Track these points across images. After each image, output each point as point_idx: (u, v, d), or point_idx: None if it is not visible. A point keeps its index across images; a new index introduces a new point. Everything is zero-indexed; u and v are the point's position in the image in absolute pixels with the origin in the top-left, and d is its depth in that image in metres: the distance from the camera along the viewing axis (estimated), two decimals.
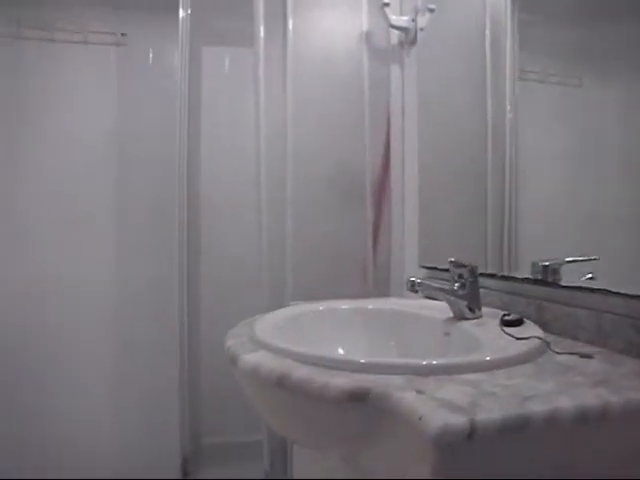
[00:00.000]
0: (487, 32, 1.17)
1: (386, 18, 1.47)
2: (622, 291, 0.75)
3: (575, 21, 0.93)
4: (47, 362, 1.90)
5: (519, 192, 1.08)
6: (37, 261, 1.92)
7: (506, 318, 0.85)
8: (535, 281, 0.94)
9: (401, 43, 1.52)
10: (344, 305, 1.08)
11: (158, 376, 1.93)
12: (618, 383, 0.60)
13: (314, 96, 1.55)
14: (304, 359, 0.67)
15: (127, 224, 2.01)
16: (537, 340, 0.73)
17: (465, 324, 0.87)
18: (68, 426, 1.90)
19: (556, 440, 0.53)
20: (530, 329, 0.80)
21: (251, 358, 0.72)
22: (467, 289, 0.90)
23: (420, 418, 0.51)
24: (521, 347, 0.70)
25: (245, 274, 1.76)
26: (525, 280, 0.97)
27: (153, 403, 1.96)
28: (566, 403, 0.53)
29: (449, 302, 0.91)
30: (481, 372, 0.62)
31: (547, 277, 0.92)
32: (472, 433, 0.48)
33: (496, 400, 0.53)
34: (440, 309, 0.93)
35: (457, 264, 0.92)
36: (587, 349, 0.75)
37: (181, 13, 1.73)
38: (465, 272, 0.90)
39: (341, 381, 0.60)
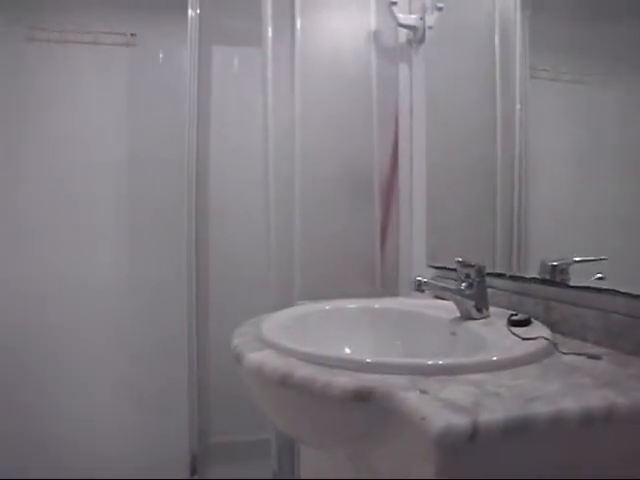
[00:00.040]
0: (496, 30, 1.16)
1: (394, 17, 1.46)
2: (631, 292, 0.74)
3: (588, 18, 0.92)
4: (47, 362, 1.91)
5: (529, 192, 1.07)
6: (38, 261, 1.93)
7: (513, 318, 0.84)
8: (543, 281, 0.93)
9: (409, 42, 1.52)
10: (351, 305, 1.07)
11: (166, 375, 1.94)
12: (625, 384, 0.59)
13: (322, 96, 1.55)
14: (308, 358, 0.67)
15: (135, 223, 2.02)
16: (544, 340, 0.72)
17: (472, 324, 0.87)
18: (70, 426, 1.91)
19: (560, 442, 0.52)
20: (537, 329, 0.79)
21: (255, 357, 0.72)
22: (474, 289, 0.89)
23: (423, 418, 0.50)
24: (527, 347, 0.70)
25: (253, 273, 1.76)
26: (533, 280, 0.96)
27: (162, 402, 1.97)
28: (571, 404, 0.52)
29: (456, 302, 0.91)
30: (486, 372, 0.61)
31: (555, 277, 0.91)
32: (474, 434, 0.48)
33: (500, 401, 0.53)
34: (447, 309, 0.93)
35: (464, 264, 0.91)
36: (595, 350, 0.74)
37: (190, 13, 1.74)
38: (472, 272, 0.90)
39: (344, 380, 0.60)
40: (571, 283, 0.88)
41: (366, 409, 0.58)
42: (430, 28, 1.39)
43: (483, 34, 1.21)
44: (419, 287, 0.92)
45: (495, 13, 1.16)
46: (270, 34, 1.52)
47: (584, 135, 0.93)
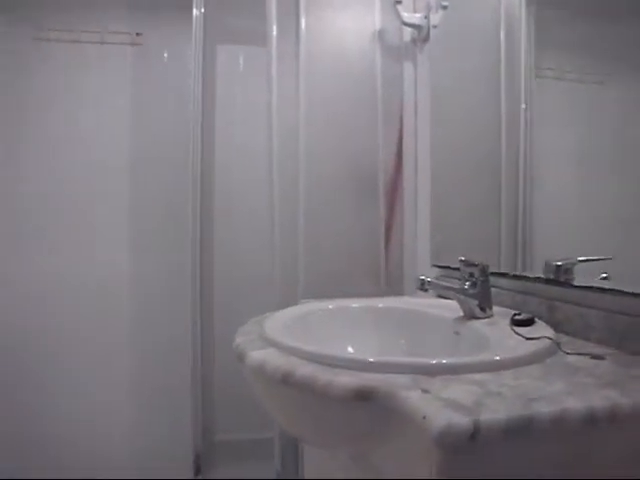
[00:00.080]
0: (502, 26, 1.15)
1: (399, 16, 1.46)
2: (636, 291, 0.74)
3: (594, 14, 0.91)
4: (47, 362, 1.92)
5: (534, 191, 1.06)
6: (38, 261, 1.94)
7: (517, 318, 0.84)
8: (547, 281, 0.93)
9: (414, 40, 1.52)
10: (354, 304, 1.07)
11: (171, 374, 1.94)
12: (628, 385, 0.59)
13: (327, 94, 1.55)
14: (309, 357, 0.67)
15: (140, 222, 2.02)
16: (547, 340, 0.72)
17: (475, 323, 0.86)
18: (71, 426, 1.92)
19: (562, 442, 0.52)
20: (541, 329, 0.79)
21: (258, 355, 0.72)
22: (478, 288, 0.89)
23: (424, 417, 0.50)
24: (530, 347, 0.69)
25: (257, 272, 1.76)
26: (537, 279, 0.96)
27: (166, 400, 1.98)
28: (573, 404, 0.52)
29: (459, 301, 0.91)
30: (489, 372, 0.61)
31: (559, 277, 0.91)
32: (476, 433, 0.48)
33: (502, 400, 0.53)
34: (451, 308, 0.93)
35: (468, 263, 0.91)
36: (599, 350, 0.73)
37: (195, 12, 1.75)
38: (476, 271, 0.90)
39: (346, 379, 0.60)
40: (575, 283, 0.87)
41: (368, 408, 0.58)
42: (435, 27, 1.39)
43: (488, 32, 1.21)
44: (422, 286, 0.92)
45: (500, 9, 1.15)
46: (275, 33, 1.52)
47: (589, 134, 0.92)
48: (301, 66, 1.52)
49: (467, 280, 0.90)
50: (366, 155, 1.57)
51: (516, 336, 0.76)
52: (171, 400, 1.96)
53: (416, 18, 1.46)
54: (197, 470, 1.79)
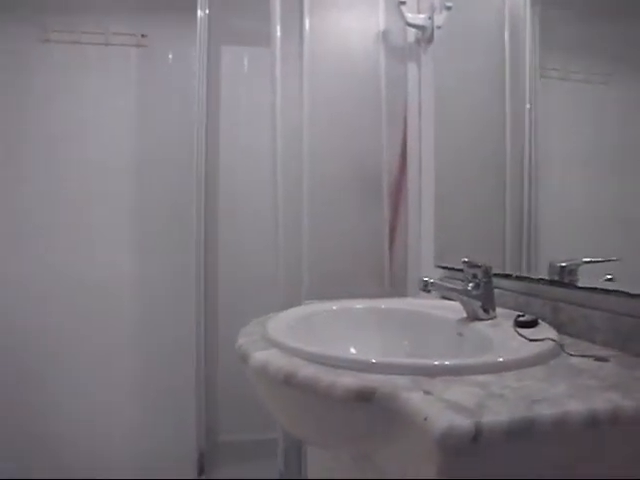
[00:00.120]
0: (506, 27, 1.15)
1: (403, 16, 1.46)
2: None
3: (599, 14, 0.91)
4: (47, 362, 1.93)
5: (538, 191, 1.06)
6: (38, 261, 1.94)
7: (520, 319, 0.83)
8: (551, 282, 0.93)
9: (418, 41, 1.51)
10: (358, 305, 1.07)
11: (175, 374, 1.95)
12: (632, 387, 0.58)
13: (331, 95, 1.55)
14: (312, 358, 0.67)
15: (144, 223, 2.03)
16: (550, 342, 0.71)
17: (479, 325, 0.86)
18: (71, 426, 1.92)
19: (565, 444, 0.52)
20: (544, 330, 0.79)
21: (260, 356, 0.72)
22: (481, 289, 0.89)
23: (425, 419, 0.50)
24: (533, 349, 0.69)
25: (261, 273, 1.76)
26: (541, 281, 0.95)
27: (170, 401, 1.99)
28: (576, 407, 0.52)
29: (463, 302, 0.90)
30: (491, 374, 0.61)
31: (564, 278, 0.90)
32: (477, 435, 0.47)
33: (504, 402, 0.53)
34: (454, 309, 0.92)
35: (471, 264, 0.91)
36: (603, 352, 0.73)
37: (199, 13, 1.75)
38: (479, 272, 0.89)
39: (348, 380, 0.60)
40: (580, 284, 0.87)
41: (369, 409, 0.58)
42: (439, 28, 1.38)
43: (492, 33, 1.21)
44: (426, 287, 0.92)
45: (505, 9, 1.15)
46: (279, 34, 1.52)
47: (594, 135, 0.92)
48: (305, 67, 1.52)
49: (470, 281, 0.90)
50: (370, 156, 1.57)
51: (519, 338, 0.75)
52: (175, 401, 1.96)
53: (420, 19, 1.45)
54: (201, 470, 1.79)
